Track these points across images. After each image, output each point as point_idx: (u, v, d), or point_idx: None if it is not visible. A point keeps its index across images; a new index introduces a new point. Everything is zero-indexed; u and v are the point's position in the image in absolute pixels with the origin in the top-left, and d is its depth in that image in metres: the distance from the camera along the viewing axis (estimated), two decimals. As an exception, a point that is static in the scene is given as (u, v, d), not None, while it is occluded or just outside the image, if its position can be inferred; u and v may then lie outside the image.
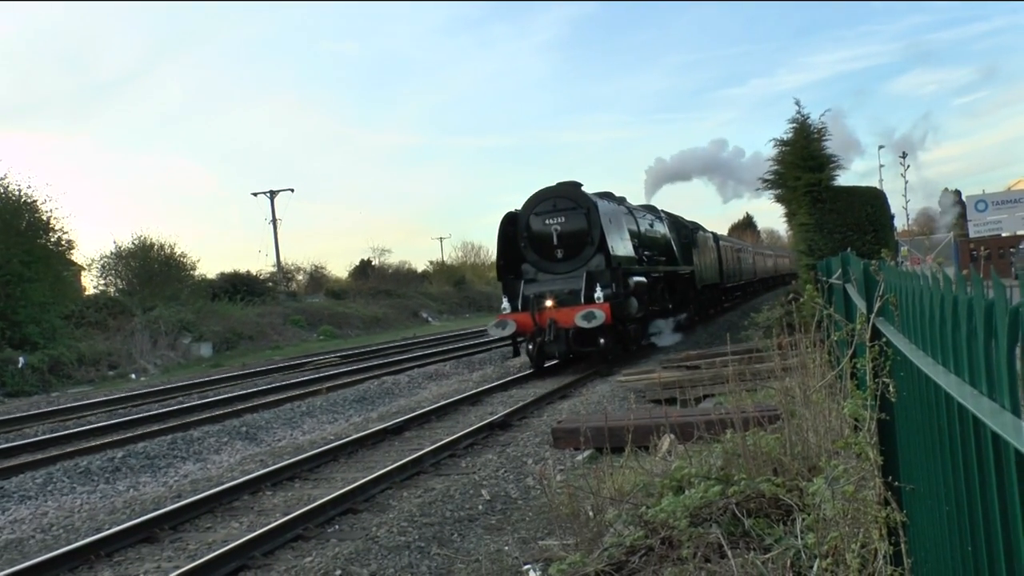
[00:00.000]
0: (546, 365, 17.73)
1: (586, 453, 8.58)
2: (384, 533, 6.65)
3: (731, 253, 35.91)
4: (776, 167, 21.06)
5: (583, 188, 18.37)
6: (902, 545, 3.04)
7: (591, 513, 5.69)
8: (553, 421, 10.66)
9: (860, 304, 4.87)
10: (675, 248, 24.15)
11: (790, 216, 21.55)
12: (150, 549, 6.89)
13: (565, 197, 17.74)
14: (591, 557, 4.77)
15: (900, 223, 32.45)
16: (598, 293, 16.46)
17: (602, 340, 16.51)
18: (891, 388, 3.10)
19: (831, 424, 5.08)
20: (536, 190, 18.33)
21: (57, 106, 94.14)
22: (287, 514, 7.20)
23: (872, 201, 19.52)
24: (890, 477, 3.16)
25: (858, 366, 3.77)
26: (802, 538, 3.93)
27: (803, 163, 19.51)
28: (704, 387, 11.15)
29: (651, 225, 22.52)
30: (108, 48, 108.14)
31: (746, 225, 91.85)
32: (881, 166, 40.36)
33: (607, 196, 20.03)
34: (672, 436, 7.36)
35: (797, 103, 20.64)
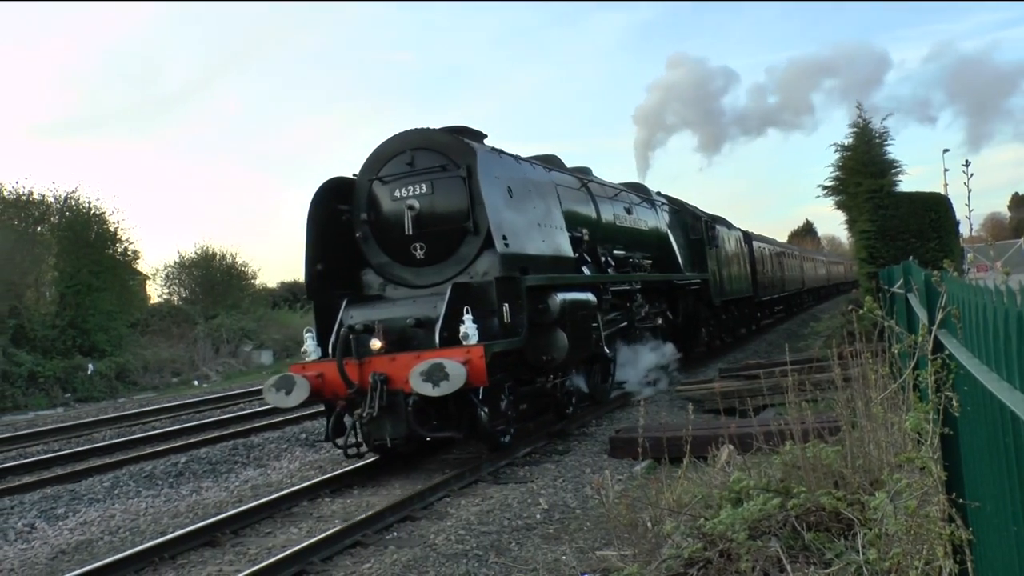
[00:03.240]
0: (365, 455, 9.72)
1: (644, 463, 8.54)
2: (442, 541, 6.70)
3: (770, 258, 28.81)
4: (837, 173, 20.80)
5: (474, 138, 10.27)
6: (968, 564, 2.98)
7: (649, 524, 5.67)
8: (612, 431, 10.62)
9: (922, 315, 4.79)
10: (676, 248, 17.08)
11: (851, 223, 21.24)
12: (212, 552, 7.03)
13: (429, 150, 9.73)
14: (649, 569, 4.76)
15: (964, 229, 31.35)
16: (467, 326, 8.66)
17: (483, 411, 8.86)
18: (954, 402, 3.05)
19: (893, 437, 5.00)
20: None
21: (123, 119, 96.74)
22: (346, 520, 7.29)
23: (935, 207, 19.13)
24: (954, 493, 3.11)
25: (920, 378, 3.72)
26: (863, 553, 3.88)
27: (864, 168, 19.24)
28: (763, 397, 11.02)
29: (628, 211, 14.95)
30: (172, 61, 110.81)
31: (806, 231, 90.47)
32: (946, 170, 39.42)
33: (548, 163, 12.66)
34: (731, 447, 7.29)
35: (859, 107, 20.36)
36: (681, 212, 19.02)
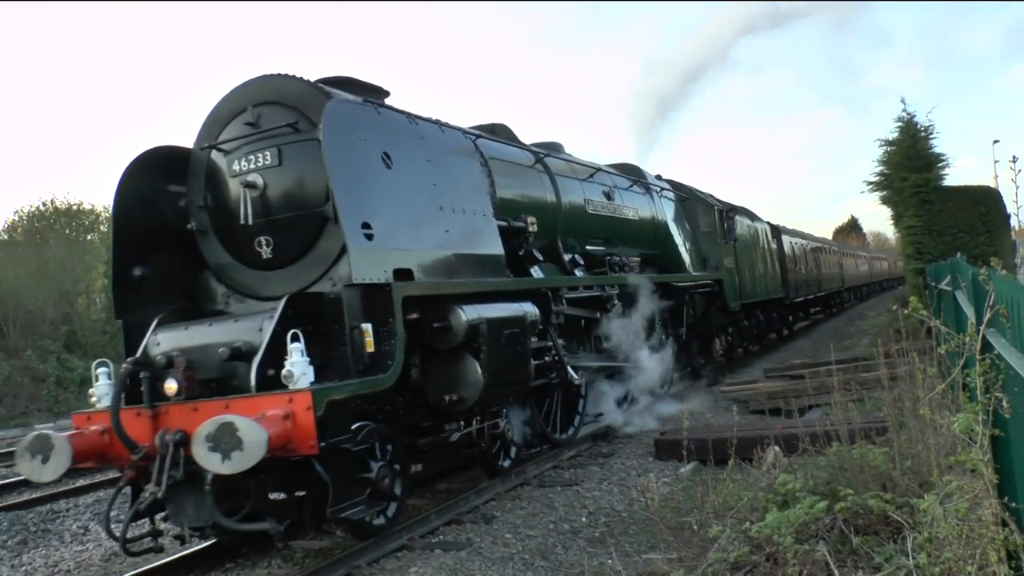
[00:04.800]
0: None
1: (689, 466, 8.51)
2: (487, 544, 6.73)
3: (804, 254, 26.10)
4: (881, 168, 20.52)
5: (370, 94, 7.75)
6: None
7: (695, 527, 5.66)
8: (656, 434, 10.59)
9: (969, 313, 4.73)
10: (680, 242, 14.37)
11: (897, 218, 20.94)
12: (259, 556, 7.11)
13: (279, 104, 6.97)
14: (695, 573, 4.75)
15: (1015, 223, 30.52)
16: (293, 361, 5.80)
17: (305, 492, 6.23)
18: (1004, 404, 3.01)
19: (942, 438, 4.94)
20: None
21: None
22: (392, 524, 7.34)
23: (985, 200, 18.79)
24: (1006, 497, 3.07)
25: (969, 378, 3.66)
26: (913, 558, 3.83)
27: (909, 163, 18.96)
28: (808, 397, 10.92)
29: (608, 196, 12.01)
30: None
31: (851, 228, 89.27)
32: (996, 162, 38.67)
33: (494, 133, 10.10)
34: (776, 449, 7.24)
35: (903, 101, 20.11)
36: (689, 200, 16.00)
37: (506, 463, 8.66)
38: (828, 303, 32.40)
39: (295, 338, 5.87)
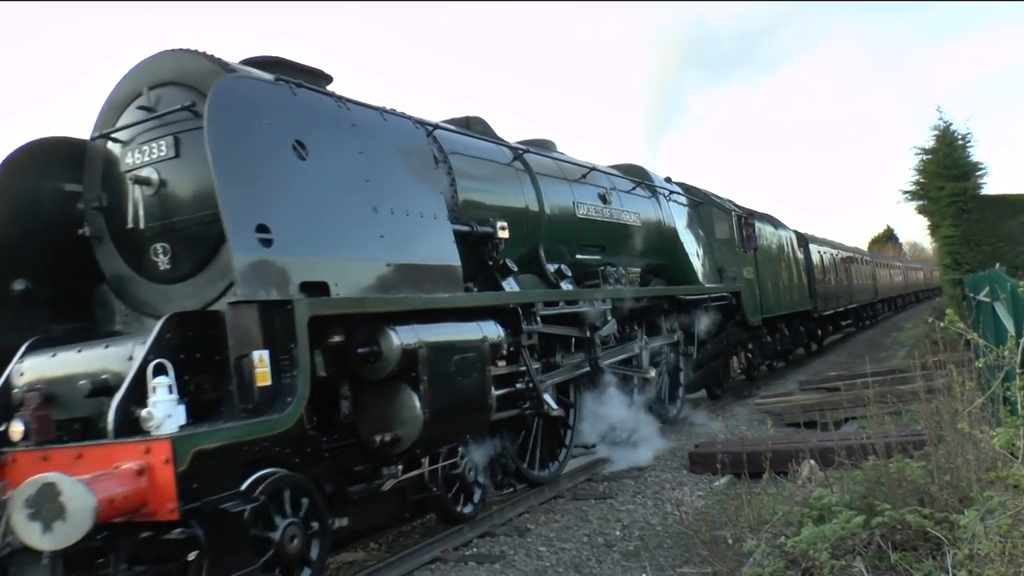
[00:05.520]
0: None
1: (724, 479, 8.46)
2: (521, 557, 6.73)
3: (834, 264, 24.90)
4: (917, 177, 20.35)
5: (310, 79, 6.58)
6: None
7: (730, 541, 5.63)
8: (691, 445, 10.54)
9: (1009, 325, 4.68)
10: (692, 251, 13.03)
11: (934, 228, 20.73)
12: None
13: (178, 85, 5.88)
14: (730, 588, 4.72)
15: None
16: (156, 399, 4.65)
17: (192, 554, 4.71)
18: (1045, 419, 2.98)
19: (982, 453, 4.88)
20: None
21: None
22: (426, 536, 7.37)
23: (1025, 209, 18.53)
24: (1048, 513, 3.03)
25: (1010, 391, 3.63)
26: (954, 574, 3.79)
27: (946, 172, 18.78)
28: (844, 410, 10.81)
29: (604, 199, 10.68)
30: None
31: (887, 238, 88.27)
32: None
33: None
34: (812, 462, 7.18)
35: (939, 109, 19.95)
36: (704, 205, 14.83)
37: (467, 509, 7.44)
38: (860, 316, 30.99)
39: (159, 371, 4.78)
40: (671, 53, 25.19)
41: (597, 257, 10.42)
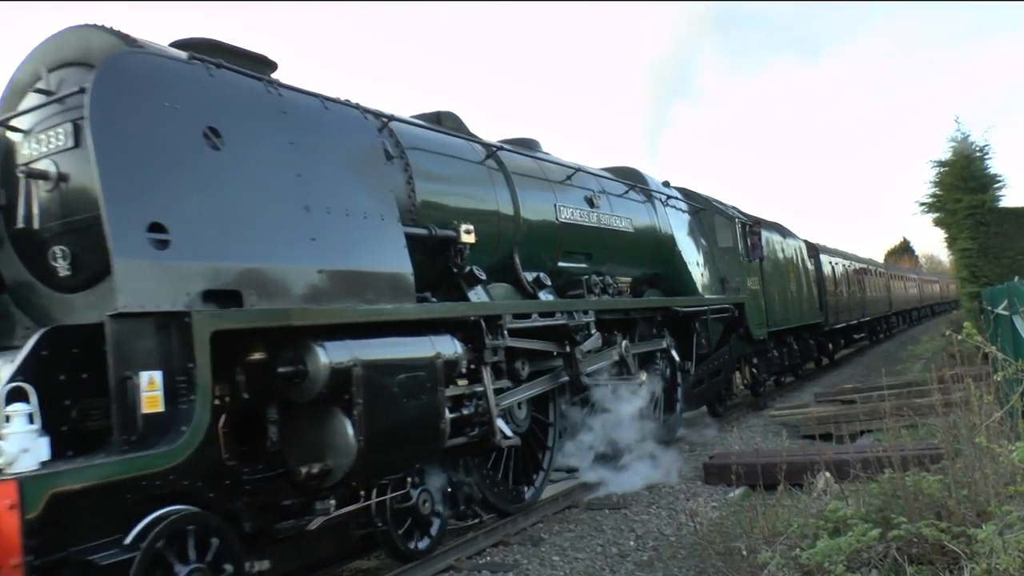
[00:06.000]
0: None
1: (739, 490, 8.43)
2: (535, 567, 6.73)
3: (847, 276, 24.37)
4: (934, 189, 20.28)
5: (241, 64, 5.77)
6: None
7: (744, 553, 5.61)
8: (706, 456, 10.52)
9: (1029, 340, 4.65)
10: (690, 260, 12.25)
11: (951, 241, 20.64)
12: None
13: (79, 66, 5.13)
14: (745, 599, 4.70)
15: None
16: (12, 430, 3.93)
17: None
18: (1065, 434, 2.96)
19: (1001, 467, 4.85)
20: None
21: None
22: (439, 544, 7.37)
23: (1045, 222, 18.42)
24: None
25: (1028, 406, 3.61)
26: (970, 589, 3.77)
27: (963, 184, 18.71)
28: (860, 423, 10.77)
29: (591, 203, 9.83)
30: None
31: (903, 250, 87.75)
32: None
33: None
34: (827, 474, 7.16)
35: (957, 120, 19.89)
36: (706, 212, 14.04)
37: (423, 543, 6.66)
38: (873, 329, 30.04)
39: (16, 396, 4.04)
40: (695, 25, 24.27)
41: (583, 265, 9.60)
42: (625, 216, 10.61)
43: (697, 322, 11.91)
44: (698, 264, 12.56)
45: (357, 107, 6.59)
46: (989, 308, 11.42)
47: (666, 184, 12.92)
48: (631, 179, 11.54)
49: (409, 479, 6.38)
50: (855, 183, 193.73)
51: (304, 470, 5.15)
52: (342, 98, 6.56)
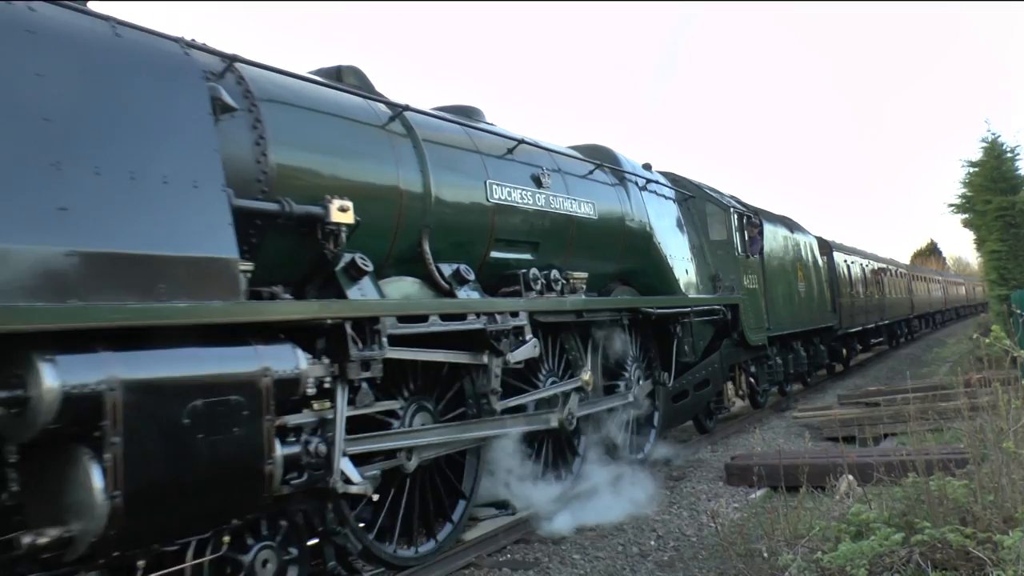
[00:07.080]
0: None
1: (760, 492, 8.40)
2: (556, 564, 6.73)
3: (864, 276, 22.70)
4: (963, 190, 20.09)
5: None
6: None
7: (765, 555, 5.59)
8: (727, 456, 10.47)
9: (1057, 345, 4.60)
10: (672, 253, 10.60)
11: (980, 242, 20.43)
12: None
13: None
14: (765, 602, 4.69)
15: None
16: None
17: None
18: (1093, 441, 2.93)
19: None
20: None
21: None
22: (460, 542, 7.39)
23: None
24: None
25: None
26: (996, 596, 3.74)
27: (994, 185, 18.51)
28: (884, 425, 10.69)
29: (537, 182, 8.08)
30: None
31: (930, 251, 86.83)
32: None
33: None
34: (850, 477, 7.11)
35: (987, 121, 19.70)
36: (696, 200, 12.32)
37: None
38: (893, 332, 28.24)
39: None
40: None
41: (525, 256, 7.91)
42: (586, 200, 8.85)
43: (678, 326, 10.36)
44: (683, 259, 10.99)
45: (179, 40, 4.80)
46: (1018, 311, 11.30)
47: (647, 167, 11.17)
48: (600, 158, 9.71)
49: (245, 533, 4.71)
50: (883, 184, 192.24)
51: (28, 540, 3.56)
52: (159, 29, 4.75)
